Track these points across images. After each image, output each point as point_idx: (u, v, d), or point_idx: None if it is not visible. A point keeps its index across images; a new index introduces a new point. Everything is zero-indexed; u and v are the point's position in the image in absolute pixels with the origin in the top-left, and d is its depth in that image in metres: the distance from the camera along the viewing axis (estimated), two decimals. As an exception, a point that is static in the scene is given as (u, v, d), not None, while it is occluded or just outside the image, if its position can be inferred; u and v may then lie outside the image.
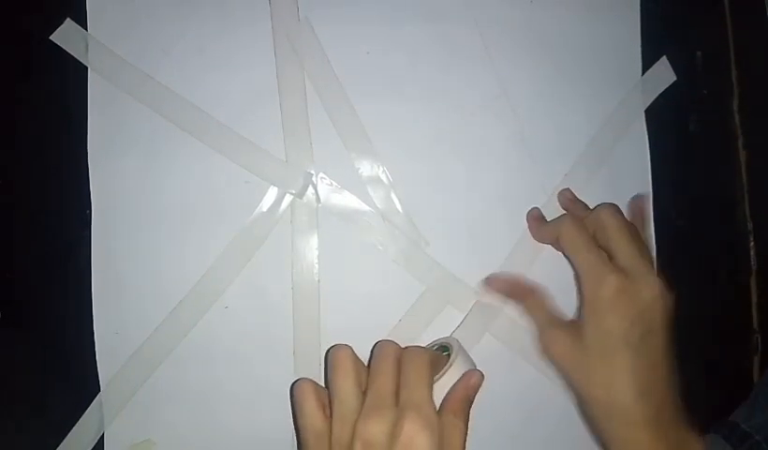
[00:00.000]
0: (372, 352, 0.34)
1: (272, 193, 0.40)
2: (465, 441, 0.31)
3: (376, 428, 0.28)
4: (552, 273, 0.42)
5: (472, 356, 0.36)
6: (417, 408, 0.28)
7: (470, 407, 0.32)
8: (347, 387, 0.31)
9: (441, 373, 0.33)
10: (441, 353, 0.36)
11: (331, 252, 0.40)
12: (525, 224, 0.41)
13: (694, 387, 0.44)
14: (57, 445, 0.38)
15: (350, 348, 0.33)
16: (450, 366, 0.33)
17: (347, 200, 0.40)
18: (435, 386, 0.32)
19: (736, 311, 0.45)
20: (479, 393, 0.33)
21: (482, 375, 0.33)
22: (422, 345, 0.38)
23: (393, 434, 0.28)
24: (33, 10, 0.40)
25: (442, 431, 0.29)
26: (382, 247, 0.40)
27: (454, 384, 0.33)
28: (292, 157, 0.40)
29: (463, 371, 0.33)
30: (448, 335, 0.40)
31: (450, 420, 0.31)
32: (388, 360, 0.32)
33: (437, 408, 0.31)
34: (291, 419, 0.39)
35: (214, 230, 0.39)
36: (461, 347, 0.35)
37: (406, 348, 0.33)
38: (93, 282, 0.39)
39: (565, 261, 0.42)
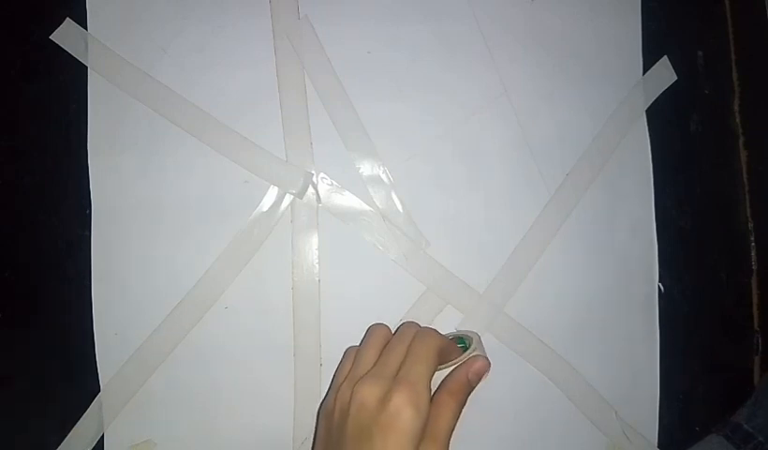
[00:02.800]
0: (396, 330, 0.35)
1: (272, 193, 0.40)
2: (454, 423, 0.31)
3: (369, 393, 0.30)
4: (554, 274, 0.42)
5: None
6: (410, 383, 0.30)
7: (469, 392, 0.33)
8: (367, 355, 0.33)
9: (456, 361, 0.34)
10: (457, 344, 0.36)
11: (331, 252, 0.40)
12: (527, 224, 0.42)
13: (695, 387, 0.44)
14: (57, 446, 0.38)
15: (388, 328, 0.36)
16: (467, 357, 0.34)
17: (348, 200, 0.40)
18: (445, 372, 0.33)
19: (737, 311, 0.45)
20: (483, 388, 0.34)
21: (488, 364, 0.34)
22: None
23: (383, 401, 0.29)
24: (33, 10, 0.40)
25: (433, 410, 0.30)
26: (383, 247, 0.40)
27: (458, 367, 0.33)
28: (292, 156, 0.40)
29: None
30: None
31: (444, 399, 0.31)
32: (403, 337, 0.33)
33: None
34: (291, 418, 0.39)
35: (213, 229, 0.39)
36: (480, 343, 0.36)
37: (422, 328, 0.34)
38: (93, 282, 0.38)
39: (568, 261, 0.42)
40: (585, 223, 0.42)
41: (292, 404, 0.39)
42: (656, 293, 0.43)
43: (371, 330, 0.36)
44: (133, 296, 0.39)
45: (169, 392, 0.39)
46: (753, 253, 0.46)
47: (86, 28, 0.40)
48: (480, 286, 0.41)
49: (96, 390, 0.38)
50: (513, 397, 0.41)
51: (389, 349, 0.33)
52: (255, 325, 0.39)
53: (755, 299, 0.45)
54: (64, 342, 0.39)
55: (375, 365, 0.32)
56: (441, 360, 0.33)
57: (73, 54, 0.40)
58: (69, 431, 0.38)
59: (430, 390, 0.30)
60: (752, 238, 0.46)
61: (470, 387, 0.33)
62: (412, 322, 0.36)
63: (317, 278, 0.40)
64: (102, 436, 0.38)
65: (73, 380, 0.39)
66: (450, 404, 0.31)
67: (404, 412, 0.28)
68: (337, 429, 0.31)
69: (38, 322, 0.39)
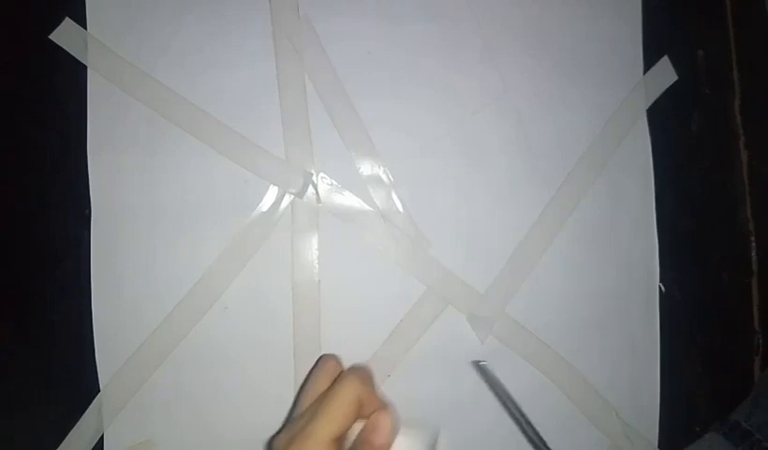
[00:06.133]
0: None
1: (272, 193, 0.40)
2: None
3: (281, 443, 0.29)
4: (555, 274, 0.42)
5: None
6: (302, 440, 0.28)
7: None
8: (306, 396, 0.31)
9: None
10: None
11: (331, 252, 0.40)
12: (528, 224, 0.41)
13: (696, 387, 0.44)
14: (57, 446, 0.38)
15: (336, 361, 0.32)
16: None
17: (348, 199, 0.40)
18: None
19: (737, 311, 0.45)
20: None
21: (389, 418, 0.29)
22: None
23: None
24: (32, 10, 0.40)
25: None
26: (383, 248, 0.40)
27: (360, 431, 0.29)
28: (292, 156, 0.40)
29: None
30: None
31: None
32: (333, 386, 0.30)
33: None
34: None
35: (213, 229, 0.39)
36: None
37: (346, 378, 0.30)
38: (92, 282, 0.38)
39: (568, 261, 0.42)
40: (586, 223, 0.42)
41: (292, 404, 0.39)
42: (656, 293, 0.43)
43: (319, 364, 0.32)
44: (133, 296, 0.39)
45: (169, 392, 0.38)
46: (754, 253, 0.46)
47: (86, 28, 0.40)
48: (482, 286, 0.41)
49: (95, 390, 0.38)
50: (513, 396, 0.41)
51: (322, 395, 0.30)
52: (255, 325, 0.39)
53: (755, 299, 0.45)
54: (63, 342, 0.39)
55: (304, 411, 0.30)
56: (363, 413, 0.29)
57: (72, 54, 0.39)
58: (69, 431, 0.38)
59: (323, 445, 0.27)
60: (752, 238, 0.46)
61: None
62: (353, 369, 0.31)
63: (317, 278, 0.40)
64: (102, 436, 0.38)
65: (73, 380, 0.38)
66: None
67: None
68: None
69: (38, 321, 0.39)
